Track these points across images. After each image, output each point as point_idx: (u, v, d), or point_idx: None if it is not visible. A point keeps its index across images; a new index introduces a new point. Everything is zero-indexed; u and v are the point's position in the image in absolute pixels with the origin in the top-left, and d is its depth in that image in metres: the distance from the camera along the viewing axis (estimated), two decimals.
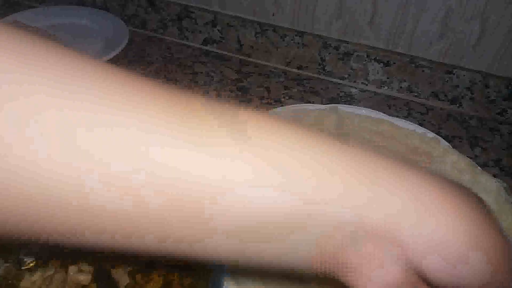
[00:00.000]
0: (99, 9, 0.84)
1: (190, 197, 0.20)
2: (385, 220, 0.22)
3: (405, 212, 0.22)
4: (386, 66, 0.72)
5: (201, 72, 0.76)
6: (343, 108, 0.63)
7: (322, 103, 0.71)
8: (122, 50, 0.73)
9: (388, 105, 0.73)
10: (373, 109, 0.65)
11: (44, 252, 0.44)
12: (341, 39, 0.73)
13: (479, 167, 0.53)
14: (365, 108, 0.64)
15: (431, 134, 0.60)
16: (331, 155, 0.23)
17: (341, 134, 0.61)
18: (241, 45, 0.79)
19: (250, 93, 0.72)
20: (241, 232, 0.21)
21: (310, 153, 0.23)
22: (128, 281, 0.43)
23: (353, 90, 0.75)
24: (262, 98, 0.72)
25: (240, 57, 0.80)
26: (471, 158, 0.55)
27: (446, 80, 0.70)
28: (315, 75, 0.77)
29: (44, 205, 0.19)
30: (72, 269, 0.43)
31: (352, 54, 0.73)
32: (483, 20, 0.64)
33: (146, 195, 0.19)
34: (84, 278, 0.43)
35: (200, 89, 0.72)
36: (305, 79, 0.76)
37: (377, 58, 0.72)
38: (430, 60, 0.70)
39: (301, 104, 0.64)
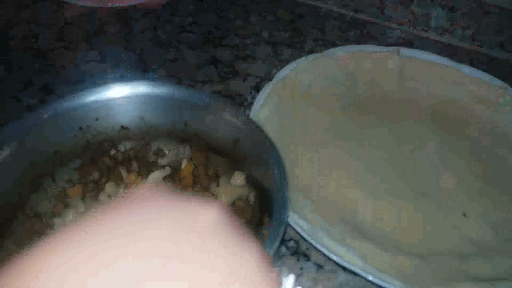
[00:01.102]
0: None
1: None
2: None
3: None
4: (451, 11, 0.68)
5: (254, 11, 0.73)
6: (405, 51, 0.60)
7: None
8: None
9: (449, 54, 0.69)
10: None
11: None
12: None
13: None
14: (428, 52, 0.61)
15: (498, 82, 0.57)
16: None
17: (403, 79, 0.58)
18: None
19: (305, 35, 0.70)
20: None
21: None
22: None
23: (413, 37, 0.71)
24: (317, 40, 0.69)
25: None
26: None
27: None
28: (373, 19, 0.73)
29: None
30: None
31: None
32: None
33: None
34: None
35: (253, 28, 0.70)
36: (361, 23, 0.73)
37: (442, 2, 0.68)
38: (500, 6, 0.66)
39: (362, 45, 0.62)
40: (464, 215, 0.45)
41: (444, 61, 0.59)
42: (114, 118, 0.40)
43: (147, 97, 0.39)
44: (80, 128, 0.40)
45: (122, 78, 0.59)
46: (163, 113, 0.40)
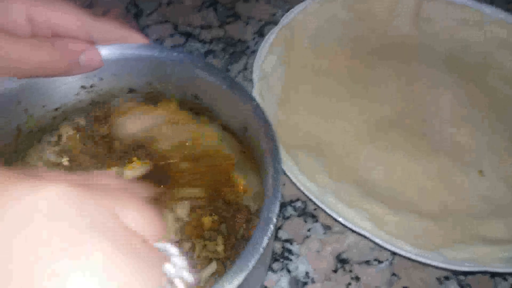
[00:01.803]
0: None
1: None
2: None
3: None
4: None
5: None
6: None
7: None
8: None
9: None
10: None
11: None
12: None
13: None
14: None
15: None
16: None
17: (419, 20, 0.53)
18: None
19: None
20: None
21: None
22: None
23: None
24: None
25: None
26: None
27: None
28: None
29: None
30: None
31: None
32: None
33: None
34: None
35: None
36: None
37: None
38: None
39: None
40: (480, 172, 0.43)
41: (468, 2, 0.54)
42: (119, 79, 0.37)
43: (156, 63, 0.35)
44: (83, 87, 0.36)
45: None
46: (172, 82, 0.36)
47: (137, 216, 0.20)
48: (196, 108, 0.38)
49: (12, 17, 0.30)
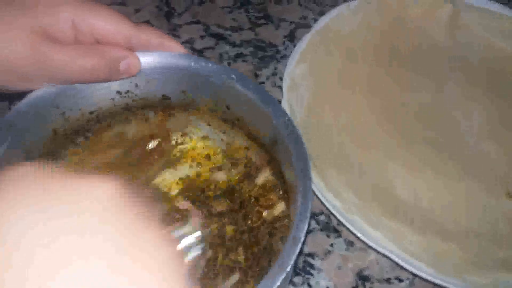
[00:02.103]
0: None
1: None
2: None
3: None
4: None
5: None
6: None
7: None
8: None
9: None
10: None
11: None
12: None
13: None
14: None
15: None
16: None
17: (455, 29, 0.52)
18: None
19: None
20: None
21: None
22: None
23: None
24: None
25: None
26: None
27: None
28: None
29: None
30: None
31: None
32: None
33: None
34: None
35: None
36: None
37: None
38: None
39: None
40: (508, 194, 0.42)
41: (506, 11, 0.52)
42: (154, 86, 0.37)
43: (191, 73, 0.36)
44: (119, 92, 0.37)
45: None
46: (205, 92, 0.37)
47: None
48: (226, 117, 0.38)
49: (59, 25, 0.31)
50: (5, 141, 0.33)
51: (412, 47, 0.52)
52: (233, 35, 0.54)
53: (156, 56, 0.35)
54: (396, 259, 0.37)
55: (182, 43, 0.53)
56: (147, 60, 0.35)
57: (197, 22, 0.55)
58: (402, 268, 0.39)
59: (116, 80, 0.35)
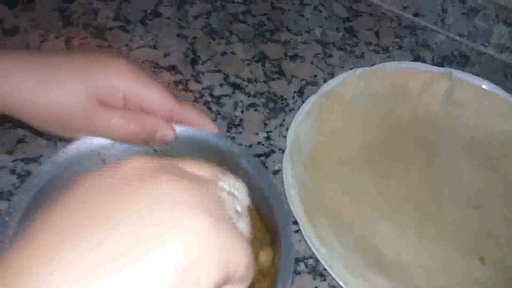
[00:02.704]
0: None
1: None
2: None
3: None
4: None
5: (309, 4, 0.72)
6: (458, 74, 0.59)
7: (432, 60, 0.66)
8: None
9: (505, 75, 0.67)
10: (487, 75, 0.60)
11: None
12: None
13: None
14: (481, 78, 0.59)
15: None
16: None
17: (450, 103, 0.57)
18: None
19: (358, 37, 0.69)
20: None
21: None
22: None
23: (470, 51, 0.69)
24: (369, 44, 0.68)
25: None
26: None
27: None
28: (432, 26, 0.71)
29: None
30: None
31: (479, 11, 0.66)
32: None
33: None
34: None
35: (306, 24, 0.69)
36: (420, 28, 0.71)
37: (507, 20, 0.65)
38: None
39: (413, 62, 0.60)
40: (481, 260, 0.46)
41: (497, 90, 0.57)
42: (182, 154, 0.43)
43: (217, 150, 0.42)
44: (155, 151, 0.44)
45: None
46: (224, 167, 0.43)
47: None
48: None
49: (112, 94, 0.37)
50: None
51: (409, 114, 0.57)
52: (249, 85, 0.61)
53: (192, 130, 0.42)
54: None
55: (203, 88, 0.59)
56: (182, 130, 0.42)
57: (218, 71, 0.62)
58: None
59: (152, 144, 0.42)
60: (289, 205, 0.46)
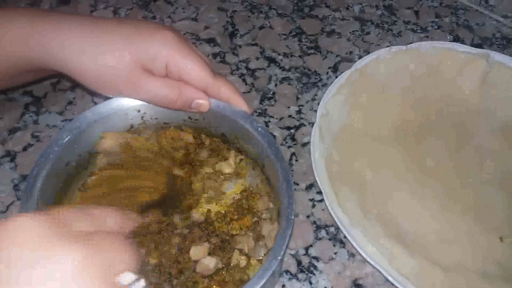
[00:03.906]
0: None
1: None
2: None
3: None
4: None
5: None
6: (495, 56, 0.58)
7: (472, 42, 0.65)
8: None
9: None
10: None
11: None
12: None
13: None
14: None
15: None
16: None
17: (485, 85, 0.57)
18: None
19: (397, 15, 0.68)
20: None
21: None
22: None
23: None
24: (408, 22, 0.68)
25: None
26: None
27: None
28: (474, 6, 0.70)
29: None
30: None
31: None
32: None
33: None
34: None
35: (345, 1, 0.70)
36: (461, 8, 0.70)
37: None
38: None
39: (450, 43, 0.60)
40: (501, 238, 0.47)
41: None
42: (214, 125, 0.47)
43: (245, 131, 0.45)
44: (190, 118, 0.47)
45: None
46: (251, 143, 0.46)
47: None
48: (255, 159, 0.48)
49: (155, 62, 0.41)
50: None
51: (442, 95, 0.57)
52: (284, 60, 0.62)
53: (225, 106, 0.45)
54: (386, 275, 0.43)
55: (239, 61, 0.62)
56: (218, 105, 0.45)
57: (255, 45, 0.64)
58: (392, 284, 0.45)
59: (188, 112, 0.45)
60: (314, 176, 0.49)
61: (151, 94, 0.42)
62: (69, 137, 0.42)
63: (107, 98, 0.45)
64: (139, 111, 0.45)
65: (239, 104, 0.44)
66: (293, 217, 0.38)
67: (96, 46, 0.40)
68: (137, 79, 0.41)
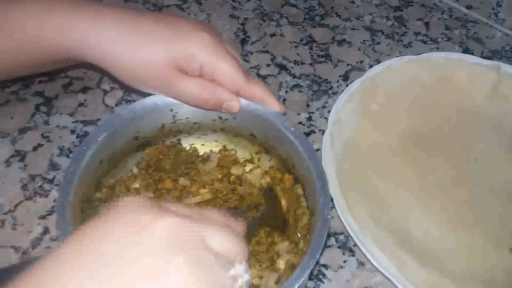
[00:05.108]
0: None
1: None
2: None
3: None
4: None
5: None
6: (506, 67, 0.58)
7: (482, 54, 0.66)
8: None
9: None
10: None
11: None
12: None
13: None
14: None
15: None
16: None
17: (496, 96, 0.57)
18: None
19: (407, 26, 0.69)
20: None
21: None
22: None
23: None
24: (418, 33, 0.68)
25: None
26: None
27: None
28: (484, 19, 0.70)
29: None
30: None
31: None
32: None
33: None
34: None
35: (356, 10, 0.70)
36: (471, 21, 0.70)
37: None
38: None
39: (461, 54, 0.60)
40: (510, 250, 0.47)
41: None
42: (245, 126, 0.47)
43: (276, 130, 0.45)
44: (220, 118, 0.47)
45: None
46: (281, 143, 0.45)
47: (222, 241, 0.28)
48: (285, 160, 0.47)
49: (190, 63, 0.42)
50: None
51: (453, 105, 0.58)
52: (295, 67, 0.63)
53: (256, 106, 0.45)
54: (397, 284, 0.43)
55: (250, 68, 0.62)
56: (248, 105, 0.45)
57: (266, 52, 0.64)
58: None
59: (218, 111, 0.46)
60: None
61: (184, 93, 0.43)
62: (104, 134, 0.42)
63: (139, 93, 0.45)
64: (171, 110, 0.46)
65: (273, 104, 0.44)
66: (330, 216, 0.38)
67: (133, 43, 0.41)
68: (171, 78, 0.42)
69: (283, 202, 0.45)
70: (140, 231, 0.26)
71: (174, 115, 0.46)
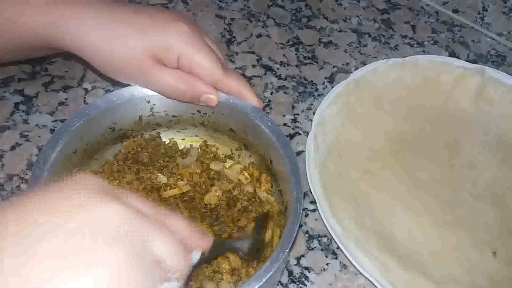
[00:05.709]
0: None
1: None
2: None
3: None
4: None
5: None
6: (491, 72, 0.58)
7: (467, 58, 0.66)
8: None
9: None
10: None
11: None
12: None
13: None
14: None
15: None
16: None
17: (480, 100, 0.57)
18: None
19: (394, 29, 0.69)
20: None
21: None
22: None
23: (508, 51, 0.68)
24: (405, 37, 0.68)
25: None
26: None
27: None
28: (470, 24, 0.70)
29: None
30: None
31: None
32: None
33: None
34: None
35: (343, 13, 0.70)
36: (457, 25, 0.70)
37: None
38: None
39: (447, 57, 0.60)
40: (494, 253, 0.47)
41: None
42: (224, 119, 0.46)
43: (255, 125, 0.44)
44: (199, 111, 0.46)
45: None
46: (259, 139, 0.45)
47: (166, 251, 0.26)
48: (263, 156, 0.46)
49: (167, 53, 0.41)
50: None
51: (437, 108, 0.58)
52: (281, 68, 0.62)
53: (235, 100, 0.44)
54: (379, 287, 0.42)
55: (236, 68, 0.61)
56: (227, 100, 0.44)
57: (252, 53, 0.64)
58: None
59: (196, 105, 0.45)
60: (308, 185, 0.48)
61: (160, 84, 0.42)
62: (79, 123, 0.41)
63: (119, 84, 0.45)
64: (148, 102, 0.45)
65: (250, 99, 0.43)
66: (301, 211, 0.37)
67: (111, 32, 0.41)
68: (148, 68, 0.41)
69: (267, 235, 0.44)
70: (80, 211, 0.24)
71: (152, 107, 0.45)
